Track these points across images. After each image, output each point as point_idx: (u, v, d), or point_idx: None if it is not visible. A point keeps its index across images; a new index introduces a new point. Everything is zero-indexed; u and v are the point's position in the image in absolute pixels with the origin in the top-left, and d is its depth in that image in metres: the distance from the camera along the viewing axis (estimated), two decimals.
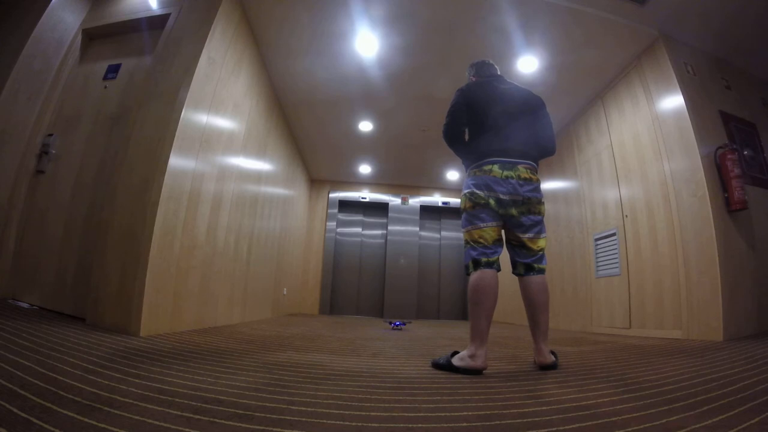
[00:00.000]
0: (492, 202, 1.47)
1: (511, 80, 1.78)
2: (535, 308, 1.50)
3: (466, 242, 1.54)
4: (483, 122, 1.58)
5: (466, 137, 1.65)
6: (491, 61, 1.83)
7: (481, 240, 1.48)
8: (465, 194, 1.55)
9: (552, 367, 1.45)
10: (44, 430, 0.63)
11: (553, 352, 1.51)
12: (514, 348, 2.17)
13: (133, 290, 1.81)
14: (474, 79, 1.80)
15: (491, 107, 1.59)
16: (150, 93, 2.18)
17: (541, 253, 1.54)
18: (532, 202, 1.51)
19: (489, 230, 1.48)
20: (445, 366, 1.41)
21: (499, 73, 1.80)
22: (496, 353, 1.88)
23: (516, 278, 1.58)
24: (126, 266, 1.86)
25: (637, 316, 2.92)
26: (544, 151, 1.64)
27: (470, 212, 1.52)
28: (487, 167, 1.50)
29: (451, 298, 6.70)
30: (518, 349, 2.13)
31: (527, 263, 1.53)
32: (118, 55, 2.52)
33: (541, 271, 1.53)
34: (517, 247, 1.56)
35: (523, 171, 1.50)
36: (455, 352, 1.44)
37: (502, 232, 1.56)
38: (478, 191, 1.50)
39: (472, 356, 1.35)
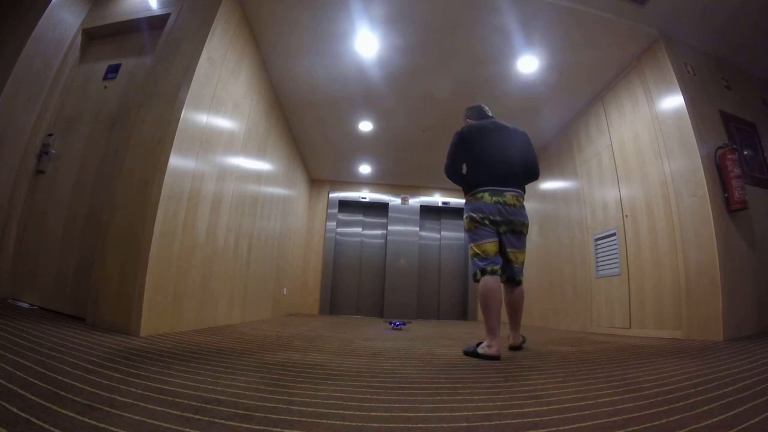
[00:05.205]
0: (487, 222, 1.85)
1: (500, 120, 2.12)
2: (514, 309, 1.98)
3: (474, 254, 1.87)
4: (477, 159, 1.96)
5: (464, 170, 2.04)
6: (485, 106, 2.21)
7: (484, 253, 1.83)
8: (466, 217, 1.94)
9: (519, 348, 1.98)
10: (44, 430, 0.64)
11: (522, 336, 2.03)
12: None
13: (133, 290, 1.81)
14: (470, 121, 2.14)
15: (482, 146, 1.96)
16: (150, 93, 2.18)
17: (519, 266, 1.92)
18: (515, 223, 1.87)
19: (489, 244, 1.84)
20: (472, 353, 1.75)
21: (491, 114, 2.17)
22: None
23: None
24: (126, 266, 1.86)
25: (637, 316, 2.92)
26: (529, 174, 2.00)
27: (472, 231, 1.89)
28: (479, 195, 1.89)
29: (451, 298, 6.69)
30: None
31: (508, 275, 1.92)
32: (118, 55, 2.53)
33: (520, 282, 1.95)
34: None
35: (509, 197, 1.87)
36: (480, 343, 1.78)
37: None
38: (474, 214, 1.88)
39: (489, 346, 1.70)
